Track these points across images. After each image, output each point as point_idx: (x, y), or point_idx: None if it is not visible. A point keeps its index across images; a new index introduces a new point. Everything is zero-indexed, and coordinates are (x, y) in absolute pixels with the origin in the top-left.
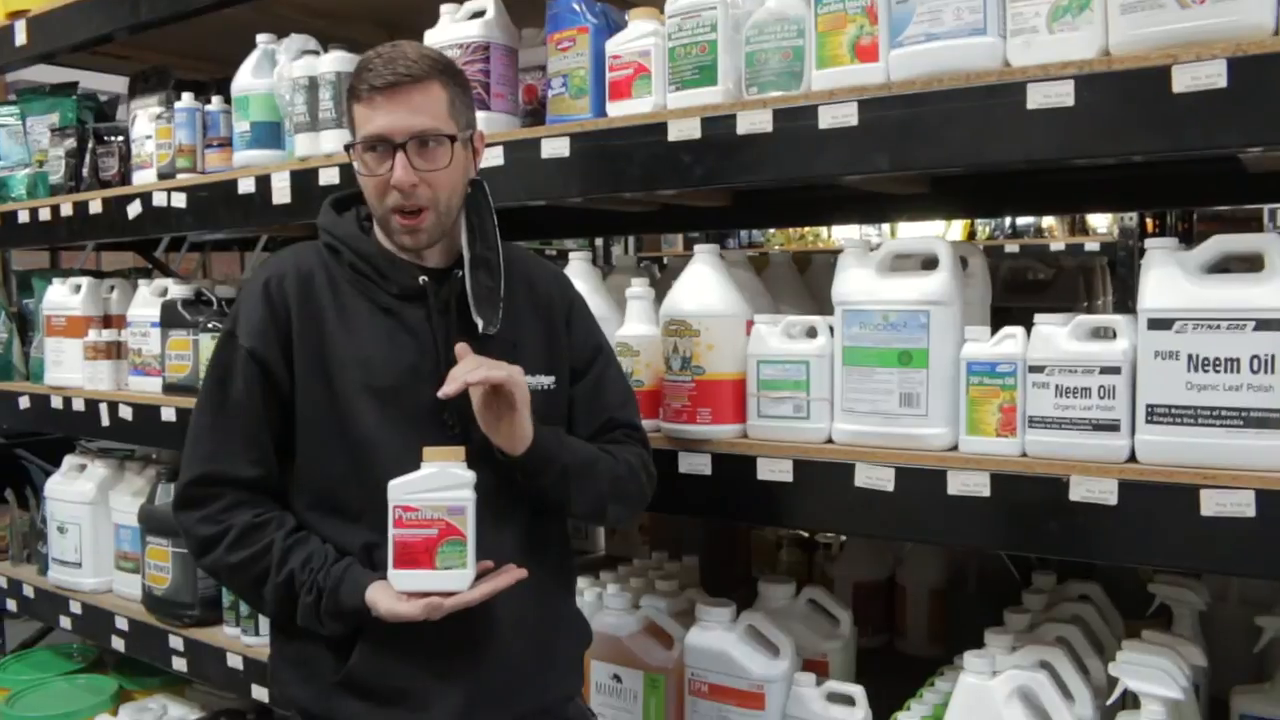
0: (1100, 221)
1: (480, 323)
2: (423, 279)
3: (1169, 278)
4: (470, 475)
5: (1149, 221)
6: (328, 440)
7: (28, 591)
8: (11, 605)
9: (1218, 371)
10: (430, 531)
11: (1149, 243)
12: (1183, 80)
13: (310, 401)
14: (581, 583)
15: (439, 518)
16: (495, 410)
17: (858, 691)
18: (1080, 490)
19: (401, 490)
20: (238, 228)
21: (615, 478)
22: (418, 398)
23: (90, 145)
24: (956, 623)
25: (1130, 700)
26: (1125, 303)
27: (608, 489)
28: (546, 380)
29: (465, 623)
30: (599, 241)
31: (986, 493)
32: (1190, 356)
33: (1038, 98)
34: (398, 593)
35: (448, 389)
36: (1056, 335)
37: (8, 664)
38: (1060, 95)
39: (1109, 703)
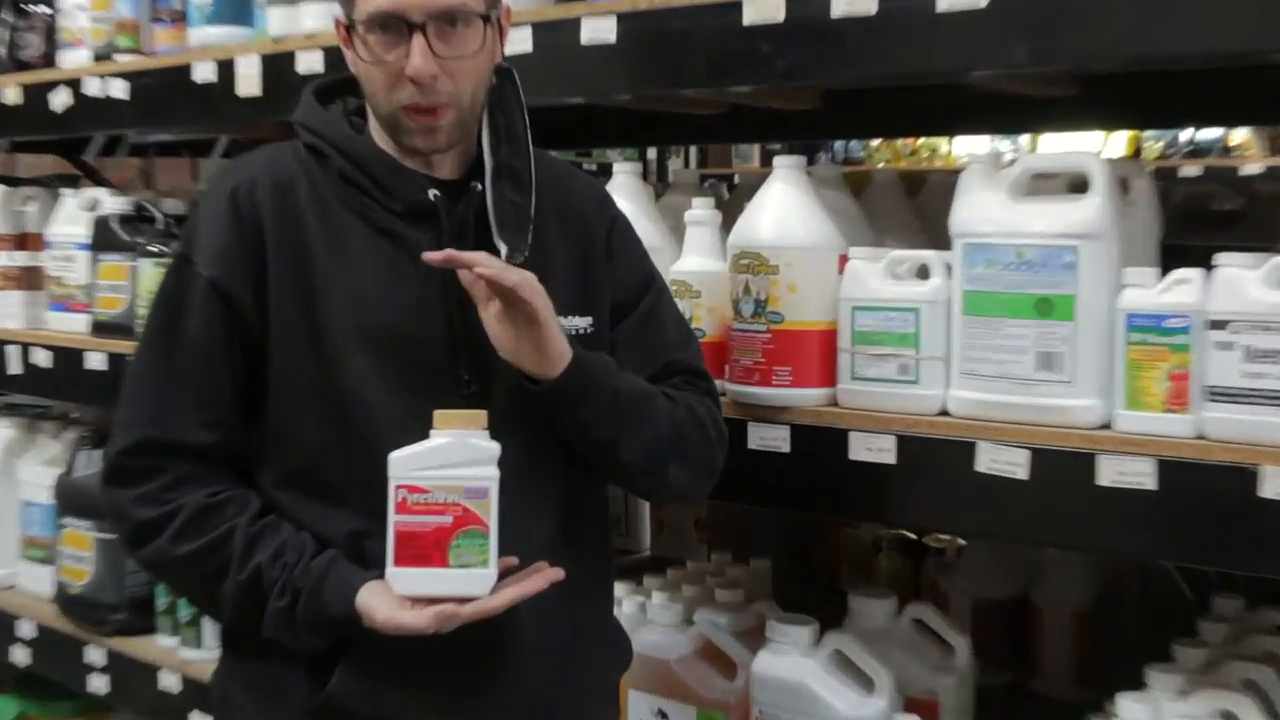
0: None
1: (504, 248)
2: (433, 193)
3: None
4: (494, 448)
5: None
6: (309, 398)
7: None
8: None
9: None
10: (443, 519)
11: None
12: None
13: (287, 349)
14: (619, 589)
15: (454, 501)
16: (513, 326)
17: None
18: (1275, 485)
19: (406, 465)
20: (192, 126)
21: (678, 423)
22: (424, 346)
23: (6, 18)
24: (1108, 657)
25: None
26: None
27: (669, 434)
28: (582, 323)
29: (479, 638)
30: (651, 153)
31: (1150, 485)
32: None
33: None
34: (399, 597)
35: (432, 255)
36: (1246, 281)
37: None
38: None
39: None
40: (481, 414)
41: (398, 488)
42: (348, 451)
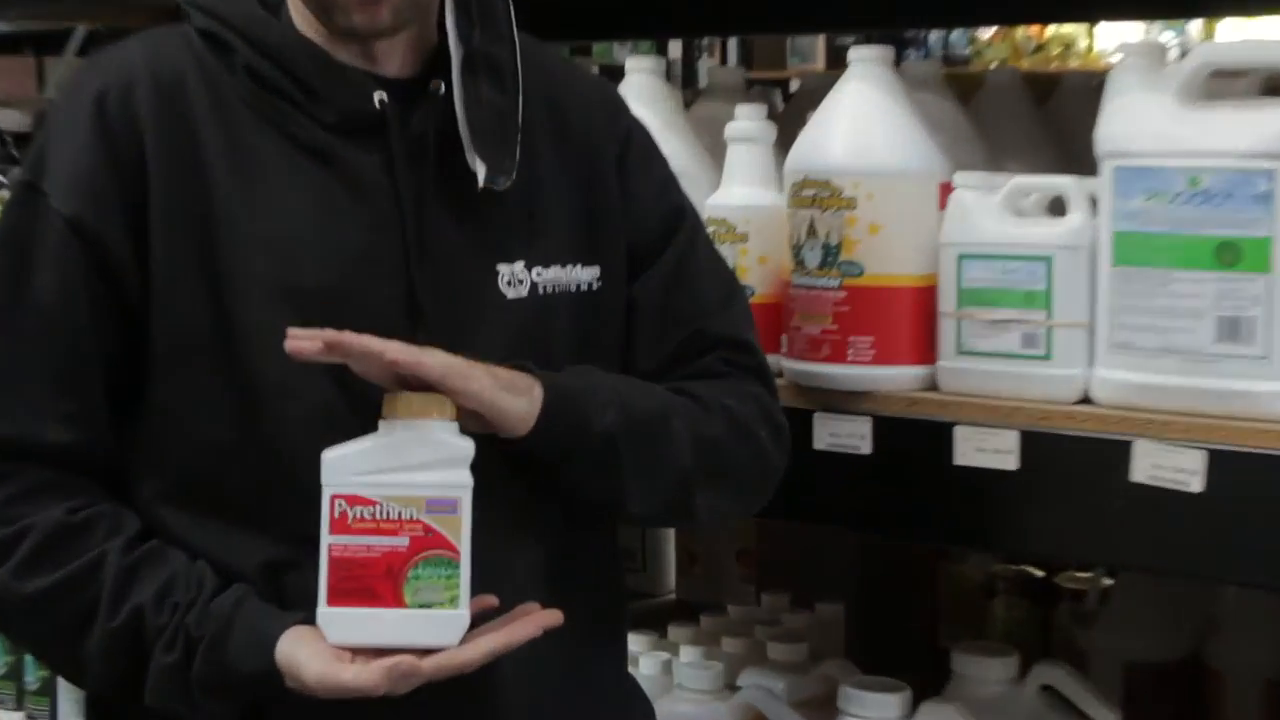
0: None
1: (482, 170)
2: (379, 97)
3: None
4: (466, 446)
5: None
6: (207, 381)
7: None
8: None
9: None
10: (396, 542)
11: None
12: None
13: (177, 313)
14: (636, 643)
15: (412, 517)
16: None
17: None
18: None
19: (345, 469)
20: (35, 8)
21: (707, 443)
22: (372, 312)
23: None
24: None
25: None
26: None
27: (693, 464)
28: (586, 275)
29: (446, 706)
30: (675, 49)
31: None
32: None
33: None
34: (335, 648)
35: (295, 345)
36: None
37: None
38: None
39: None
40: (446, 400)
41: (334, 499)
42: (261, 453)
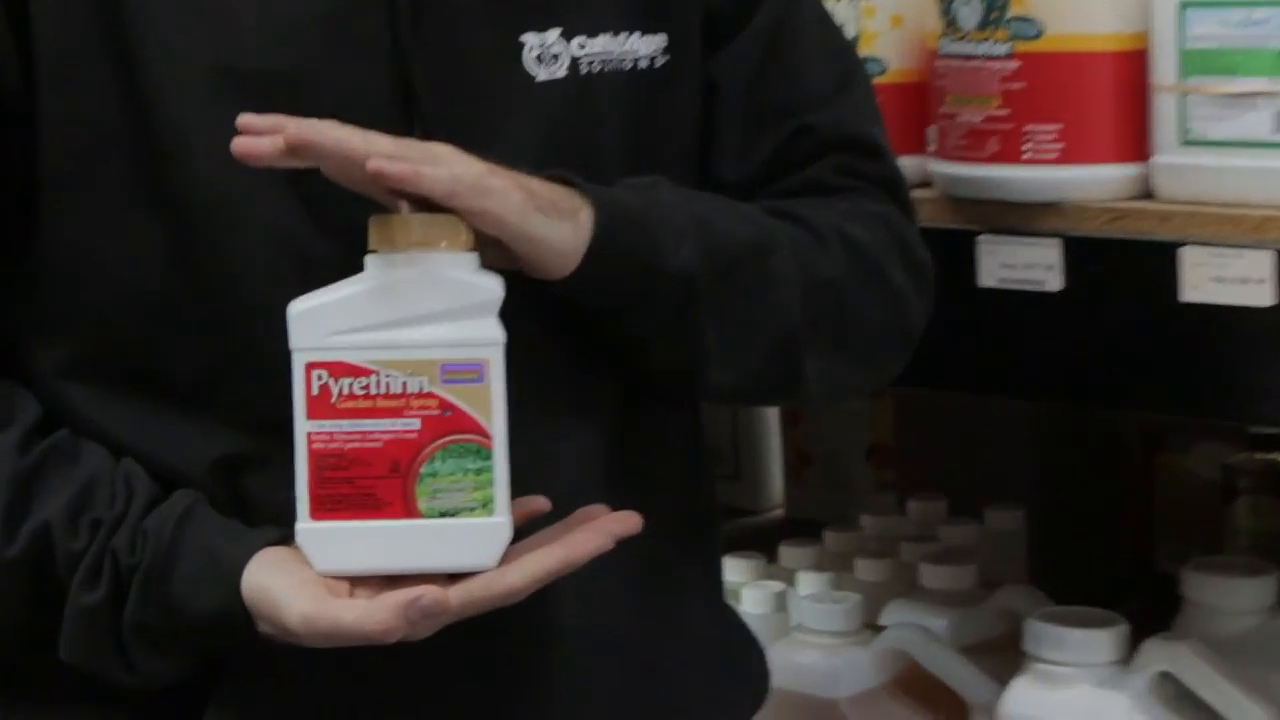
0: None
1: None
2: None
3: None
4: (493, 285)
5: None
6: (122, 206)
7: None
8: None
9: None
10: (403, 425)
11: None
12: None
13: (77, 113)
14: (736, 570)
15: (424, 391)
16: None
17: None
18: None
19: (323, 325)
20: None
21: (817, 285)
22: (343, 100)
23: None
24: None
25: None
26: None
27: (799, 317)
28: (647, 47)
29: (482, 654)
30: None
31: None
32: None
33: None
34: (324, 577)
35: (246, 146)
36: None
37: None
38: None
39: None
40: (458, 220)
41: (310, 370)
42: (203, 305)
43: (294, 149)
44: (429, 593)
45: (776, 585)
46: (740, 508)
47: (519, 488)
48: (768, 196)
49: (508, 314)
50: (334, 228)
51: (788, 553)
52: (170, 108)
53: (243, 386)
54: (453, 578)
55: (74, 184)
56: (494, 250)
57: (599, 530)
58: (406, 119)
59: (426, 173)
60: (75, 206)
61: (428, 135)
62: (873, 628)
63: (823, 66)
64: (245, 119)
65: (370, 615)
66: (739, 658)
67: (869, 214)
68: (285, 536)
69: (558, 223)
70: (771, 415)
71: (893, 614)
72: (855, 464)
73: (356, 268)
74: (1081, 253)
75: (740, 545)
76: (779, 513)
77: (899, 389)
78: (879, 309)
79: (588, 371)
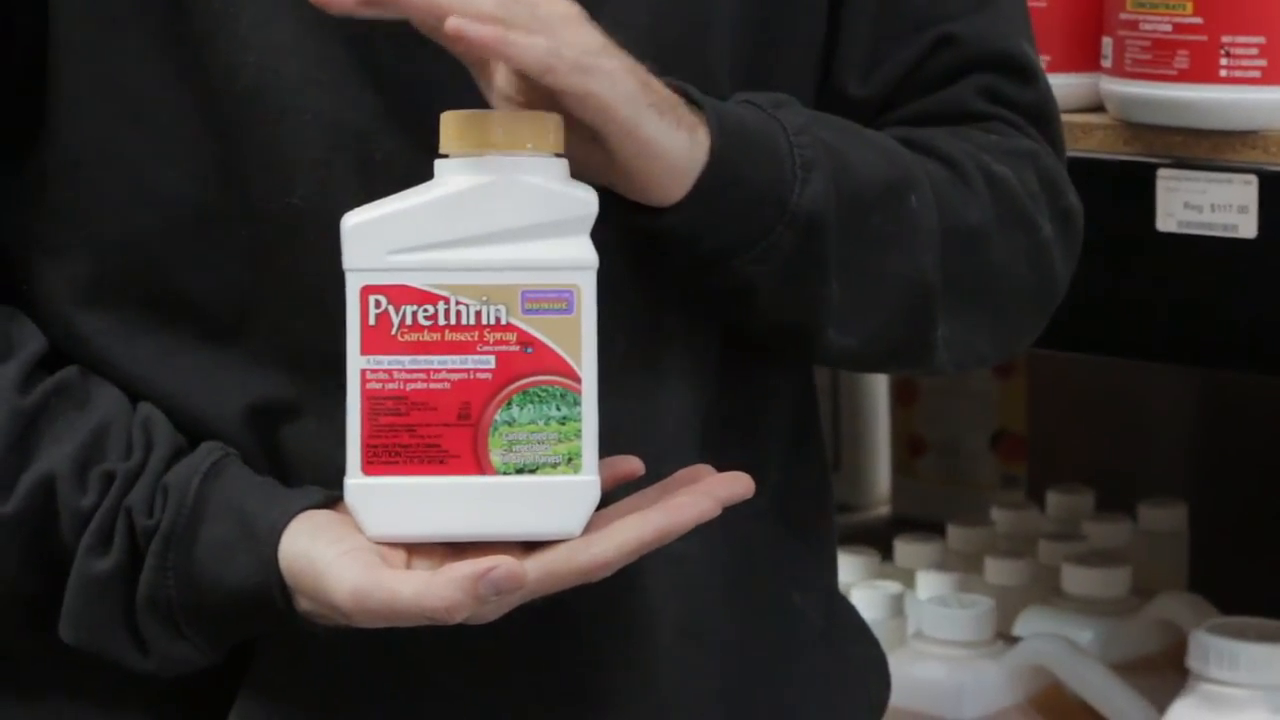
0: None
1: None
2: None
3: None
4: (587, 197)
5: None
6: (151, 89)
7: None
8: None
9: None
10: (476, 363)
11: None
12: None
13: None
14: (846, 573)
15: (500, 322)
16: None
17: None
18: None
19: (383, 241)
20: None
21: (958, 234)
22: None
23: None
24: None
25: None
26: None
27: (935, 270)
28: None
29: (561, 639)
30: None
31: None
32: None
33: None
34: (377, 544)
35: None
36: None
37: None
38: None
39: None
40: (552, 117)
41: (367, 294)
42: (243, 214)
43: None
44: (503, 564)
45: (893, 586)
46: (839, 502)
47: (607, 446)
48: (900, 121)
49: (602, 242)
50: (400, 125)
51: (905, 550)
52: None
53: (285, 315)
54: (529, 547)
55: (91, 64)
56: (590, 156)
57: (704, 493)
58: None
59: (518, 41)
60: (92, 92)
61: None
62: (1006, 638)
63: None
64: None
65: (432, 589)
66: (857, 664)
67: (1017, 150)
68: (331, 498)
69: (674, 130)
70: (880, 395)
71: (1029, 623)
72: (978, 453)
73: (426, 174)
74: None
75: (844, 542)
76: (884, 509)
77: (1038, 357)
78: (1024, 264)
79: (686, 313)
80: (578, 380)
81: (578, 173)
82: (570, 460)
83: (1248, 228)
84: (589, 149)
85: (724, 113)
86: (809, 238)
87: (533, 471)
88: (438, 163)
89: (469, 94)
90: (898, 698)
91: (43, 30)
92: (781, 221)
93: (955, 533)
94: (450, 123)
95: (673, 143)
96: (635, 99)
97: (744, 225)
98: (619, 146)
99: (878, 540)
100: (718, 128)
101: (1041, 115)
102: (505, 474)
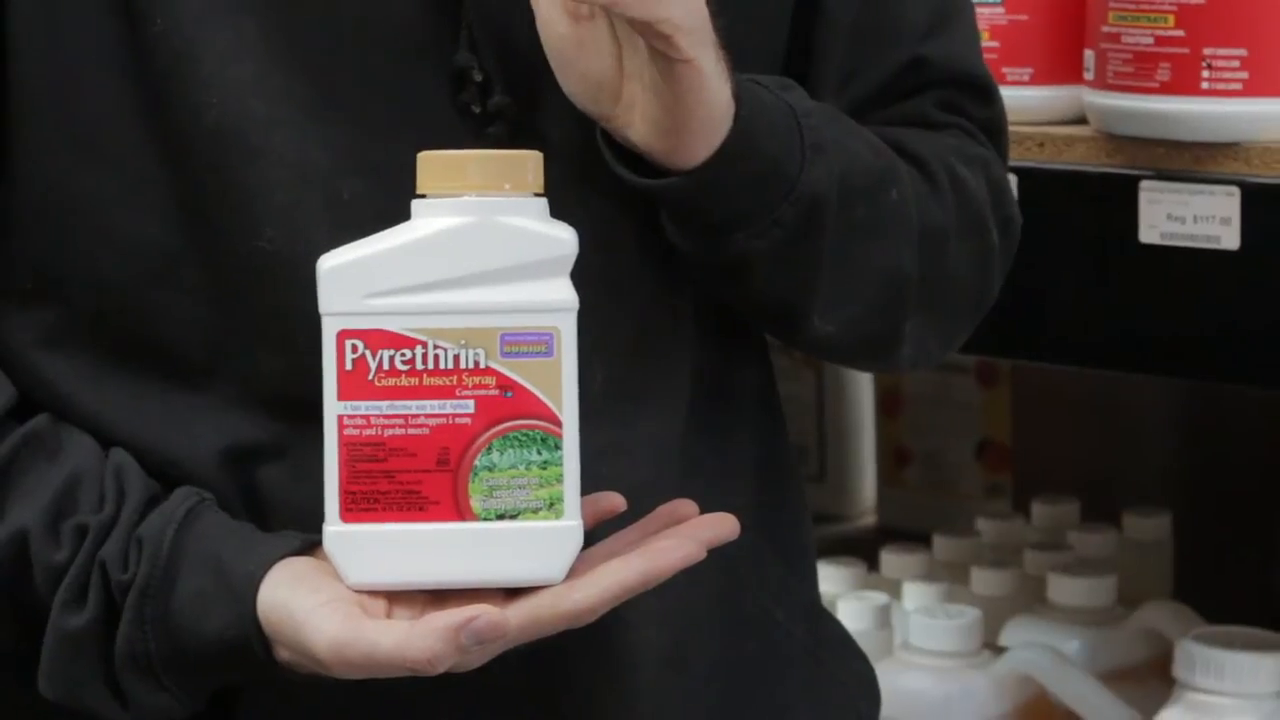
0: None
1: None
2: None
3: None
4: (565, 237)
5: None
6: (116, 132)
7: None
8: None
9: None
10: (455, 408)
11: None
12: None
13: (56, 18)
14: (832, 580)
15: (480, 366)
16: (607, 47)
17: None
18: None
19: (360, 284)
20: None
21: (931, 233)
22: (383, 10)
23: None
24: None
25: None
26: None
27: (911, 264)
28: None
29: (544, 686)
30: None
31: None
32: None
33: None
34: (356, 593)
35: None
36: None
37: None
38: None
39: None
40: (530, 156)
41: (343, 339)
42: (213, 257)
43: None
44: (485, 613)
45: (879, 597)
46: (824, 513)
47: (588, 476)
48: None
49: (584, 274)
50: (372, 165)
51: (891, 560)
52: (171, 16)
53: (257, 357)
54: (511, 593)
55: (53, 108)
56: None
57: (688, 536)
58: (454, 30)
59: None
60: (54, 136)
61: (485, 53)
62: (992, 648)
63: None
64: None
65: (413, 640)
66: (844, 680)
67: (974, 158)
68: (310, 543)
69: (723, 79)
70: (865, 405)
71: (1016, 633)
72: (962, 463)
73: (400, 215)
74: (1263, 204)
75: (829, 553)
76: (870, 520)
77: (1022, 368)
78: (974, 267)
79: (663, 339)
80: (558, 424)
81: (587, 94)
82: (552, 505)
83: (1230, 239)
84: (616, 76)
85: (745, 85)
86: (810, 219)
87: (514, 517)
88: (415, 203)
89: (436, 131)
90: (885, 709)
91: (1, 74)
92: (788, 200)
93: (941, 543)
94: (428, 163)
95: (719, 92)
96: (704, 32)
97: (753, 198)
98: (679, 79)
99: (863, 551)
100: (741, 97)
101: (995, 130)
102: (486, 520)
